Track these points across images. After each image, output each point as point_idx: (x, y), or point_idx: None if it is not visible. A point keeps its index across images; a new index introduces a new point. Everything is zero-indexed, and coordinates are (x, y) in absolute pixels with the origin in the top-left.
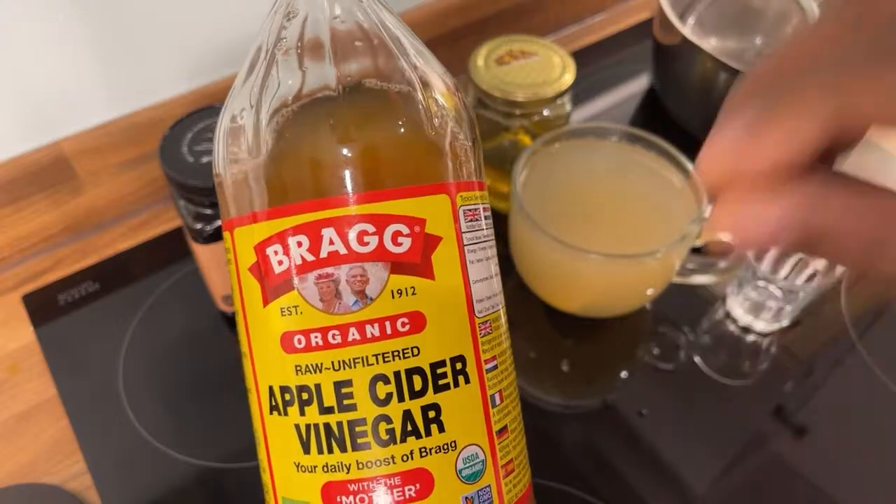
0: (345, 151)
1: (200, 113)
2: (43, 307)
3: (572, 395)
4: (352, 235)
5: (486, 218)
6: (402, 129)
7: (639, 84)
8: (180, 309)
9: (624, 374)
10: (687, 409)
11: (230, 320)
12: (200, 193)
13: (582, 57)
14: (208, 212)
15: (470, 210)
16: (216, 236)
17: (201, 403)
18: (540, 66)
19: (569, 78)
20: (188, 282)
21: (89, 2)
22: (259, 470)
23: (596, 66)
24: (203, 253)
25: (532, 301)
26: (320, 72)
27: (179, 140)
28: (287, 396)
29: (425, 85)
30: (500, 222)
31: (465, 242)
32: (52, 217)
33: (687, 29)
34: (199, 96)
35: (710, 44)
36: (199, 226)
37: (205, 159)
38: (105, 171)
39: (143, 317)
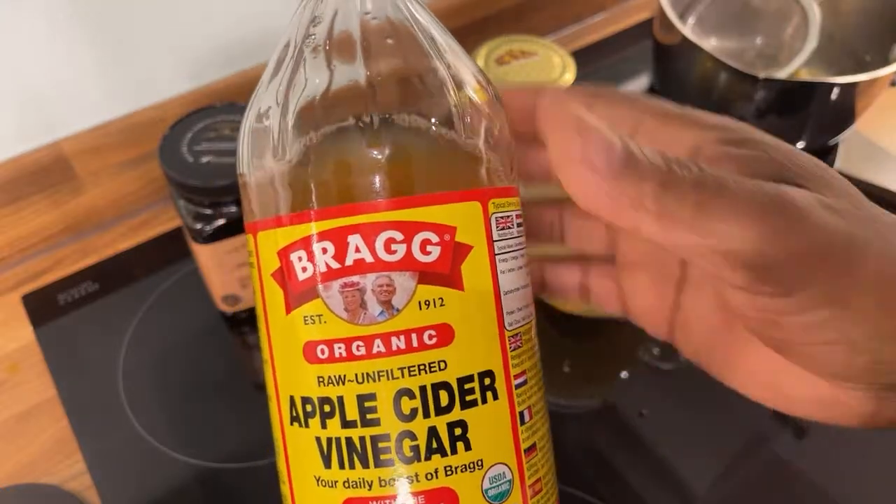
0: (373, 155)
1: (200, 113)
2: (43, 307)
3: (572, 395)
4: (378, 243)
5: (518, 225)
6: (434, 132)
7: (639, 84)
8: (180, 309)
9: (624, 374)
10: (687, 409)
11: (230, 320)
12: (200, 193)
13: (582, 57)
14: (208, 212)
15: (502, 217)
16: (216, 236)
17: (201, 403)
18: (540, 66)
19: (569, 78)
20: (188, 282)
21: (89, 2)
22: (278, 481)
23: (596, 66)
24: (203, 253)
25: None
26: (350, 70)
27: (179, 140)
28: (308, 408)
29: (458, 84)
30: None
31: (497, 251)
32: (52, 217)
33: (687, 29)
34: (199, 96)
35: (710, 44)
36: (198, 226)
37: (204, 159)
38: (105, 171)
39: (143, 317)
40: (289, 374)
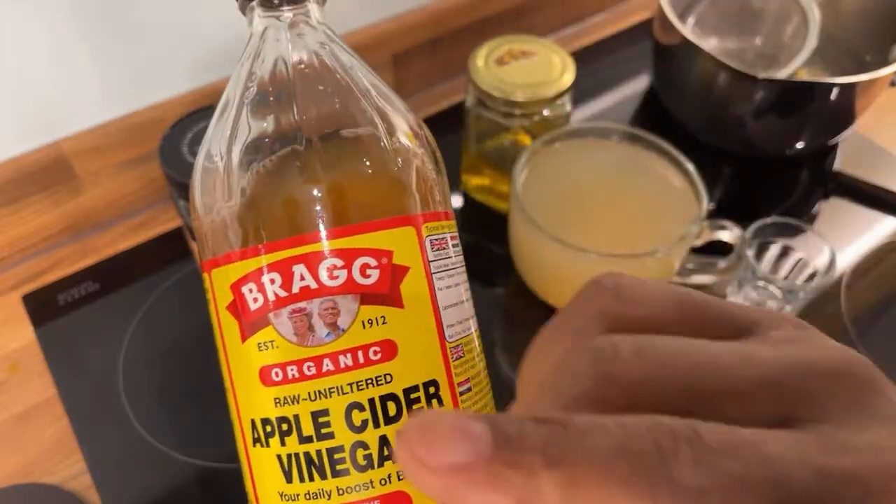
0: (312, 191)
1: (200, 113)
2: (43, 307)
3: None
4: (322, 270)
5: (453, 246)
6: (367, 168)
7: (639, 84)
8: (180, 309)
9: None
10: None
11: None
12: None
13: (582, 57)
14: None
15: (437, 239)
16: None
17: (201, 403)
18: (540, 66)
19: (569, 78)
20: (188, 282)
21: (89, 2)
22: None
23: (596, 66)
24: None
25: (532, 301)
26: (287, 116)
27: (179, 140)
28: (268, 428)
29: (388, 124)
30: (500, 222)
31: (433, 270)
32: (52, 217)
33: (687, 29)
34: (199, 96)
35: (709, 44)
36: None
37: None
38: (105, 171)
39: (143, 317)
40: (248, 399)
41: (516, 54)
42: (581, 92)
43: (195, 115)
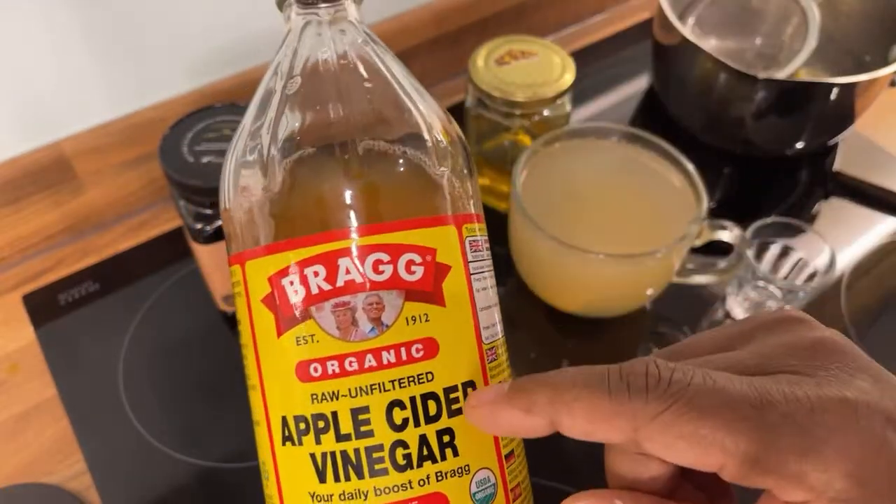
0: (359, 185)
1: (200, 113)
2: (43, 307)
3: None
4: (367, 264)
5: (486, 249)
6: (411, 167)
7: (639, 84)
8: (180, 309)
9: None
10: None
11: (230, 320)
12: (200, 193)
13: (582, 57)
14: (208, 212)
15: (474, 241)
16: (216, 236)
17: (201, 403)
18: (540, 66)
19: (569, 78)
20: (188, 282)
21: (89, 2)
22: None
23: (596, 66)
24: (203, 253)
25: (532, 301)
26: (332, 111)
27: (179, 140)
28: (302, 426)
29: (429, 123)
30: (500, 222)
31: (472, 271)
32: (52, 217)
33: (687, 29)
34: (199, 96)
35: (709, 44)
36: (199, 226)
37: (205, 159)
38: (105, 171)
39: (143, 317)
40: (280, 396)
41: (516, 54)
42: (581, 92)
43: (195, 115)
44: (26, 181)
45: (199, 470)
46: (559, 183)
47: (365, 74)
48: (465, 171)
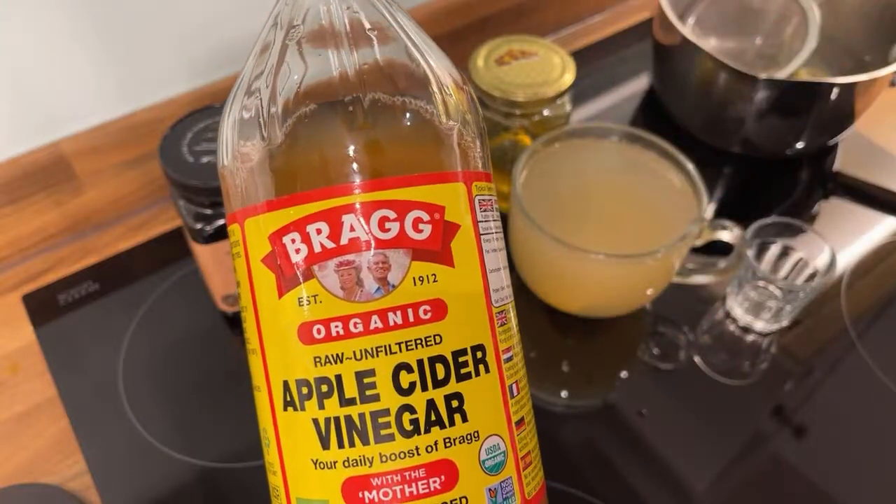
0: (364, 139)
1: (200, 113)
2: (43, 307)
3: (572, 394)
4: (373, 221)
5: (496, 209)
6: (420, 120)
7: (639, 84)
8: (180, 309)
9: (624, 374)
10: (687, 409)
11: (230, 320)
12: (200, 193)
13: (582, 57)
14: (208, 212)
15: (484, 200)
16: (216, 236)
17: (201, 403)
18: (540, 66)
19: (569, 78)
20: (188, 282)
21: (89, 2)
22: (266, 473)
23: (596, 66)
24: (203, 253)
25: (532, 301)
26: (336, 60)
27: (179, 140)
28: (304, 390)
29: (440, 78)
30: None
31: (481, 232)
32: (52, 217)
33: (687, 29)
34: (199, 96)
35: (709, 44)
36: (199, 226)
37: (205, 159)
38: (105, 171)
39: (143, 317)
40: (282, 359)
41: (516, 54)
42: (581, 92)
43: (195, 115)
44: (26, 181)
45: (199, 470)
46: (559, 183)
47: (368, 25)
48: (476, 131)
